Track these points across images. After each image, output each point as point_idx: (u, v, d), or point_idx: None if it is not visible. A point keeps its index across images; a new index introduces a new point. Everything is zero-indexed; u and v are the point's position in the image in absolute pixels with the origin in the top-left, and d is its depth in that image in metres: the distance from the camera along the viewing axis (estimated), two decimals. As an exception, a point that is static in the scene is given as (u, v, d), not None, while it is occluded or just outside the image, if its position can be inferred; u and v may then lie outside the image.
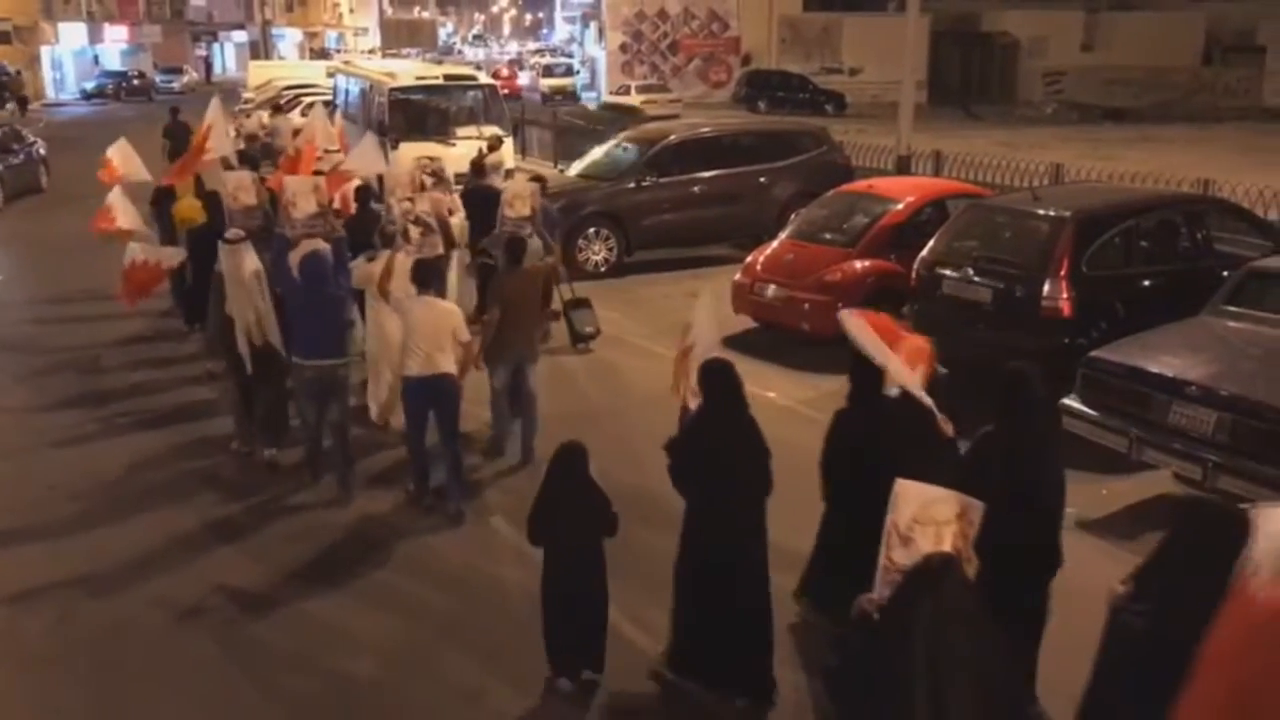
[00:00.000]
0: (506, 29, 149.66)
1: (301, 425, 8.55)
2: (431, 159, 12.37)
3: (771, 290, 11.63)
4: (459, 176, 13.07)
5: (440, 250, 9.79)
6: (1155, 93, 44.03)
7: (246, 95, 33.47)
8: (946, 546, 4.36)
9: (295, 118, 23.26)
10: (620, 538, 5.84)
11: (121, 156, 12.66)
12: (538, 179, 12.22)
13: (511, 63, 71.17)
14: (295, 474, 8.62)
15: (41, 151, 24.24)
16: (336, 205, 10.52)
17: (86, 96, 53.44)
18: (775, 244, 12.45)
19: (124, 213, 11.51)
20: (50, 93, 54.77)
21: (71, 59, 58.93)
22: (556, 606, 5.75)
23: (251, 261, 8.49)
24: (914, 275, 10.43)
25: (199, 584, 7.14)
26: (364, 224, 10.03)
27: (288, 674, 6.26)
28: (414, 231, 9.65)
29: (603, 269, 15.21)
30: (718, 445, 5.56)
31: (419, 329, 7.74)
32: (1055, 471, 5.36)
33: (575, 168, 17.28)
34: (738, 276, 12.19)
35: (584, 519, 5.67)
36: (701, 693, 5.74)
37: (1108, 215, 9.75)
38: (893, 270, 11.17)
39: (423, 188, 11.06)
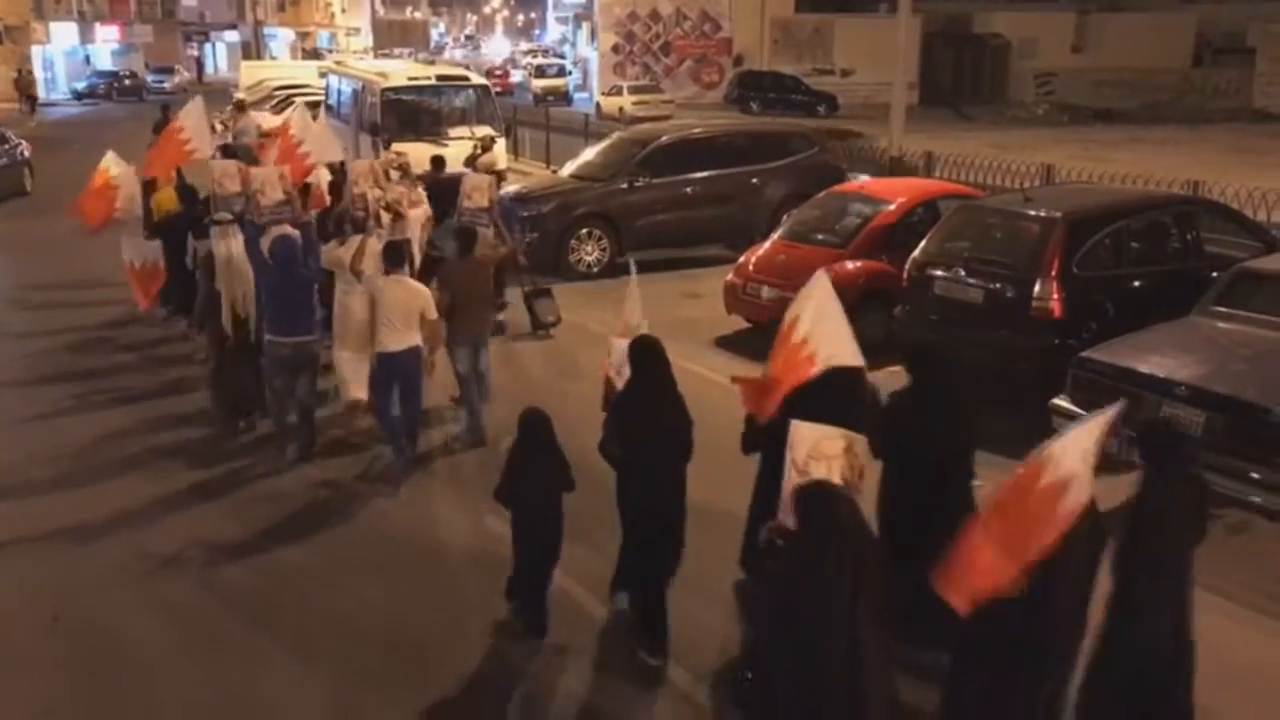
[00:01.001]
0: (499, 29, 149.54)
1: (271, 398, 9.18)
2: (398, 153, 12.95)
3: (764, 291, 11.65)
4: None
5: (409, 234, 10.39)
6: (1145, 94, 44.14)
7: (238, 96, 33.40)
8: (836, 477, 4.90)
9: (265, 116, 23.35)
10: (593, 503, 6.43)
11: (120, 172, 12.41)
12: (492, 171, 12.77)
13: (505, 62, 71.33)
14: (267, 443, 9.24)
15: (25, 153, 23.56)
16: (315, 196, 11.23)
17: (78, 96, 53.24)
18: (767, 245, 12.48)
19: (126, 197, 11.93)
20: (41, 93, 54.54)
21: (63, 59, 58.77)
22: (529, 554, 6.30)
23: (237, 244, 9.20)
24: (905, 276, 10.47)
25: (175, 536, 7.74)
26: (337, 213, 10.56)
27: (262, 610, 6.83)
28: (385, 217, 10.26)
29: (595, 270, 15.23)
30: (647, 414, 6.01)
31: (391, 306, 8.24)
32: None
33: (568, 168, 17.29)
34: (730, 277, 12.22)
35: (545, 478, 6.18)
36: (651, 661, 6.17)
37: (1098, 216, 9.80)
38: (884, 271, 11.20)
39: (389, 180, 11.48)
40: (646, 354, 6.08)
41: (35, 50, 54.93)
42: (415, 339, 8.37)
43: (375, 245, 9.06)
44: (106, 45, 62.64)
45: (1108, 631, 4.93)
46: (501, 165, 18.50)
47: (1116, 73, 45.51)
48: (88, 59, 60.58)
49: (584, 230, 15.31)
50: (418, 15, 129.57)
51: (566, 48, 75.27)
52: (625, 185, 15.56)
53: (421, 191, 12.01)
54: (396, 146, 16.11)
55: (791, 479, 4.96)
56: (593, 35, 55.81)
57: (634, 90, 44.42)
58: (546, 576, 6.39)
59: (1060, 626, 4.73)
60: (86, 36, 60.65)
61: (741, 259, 12.40)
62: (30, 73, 49.10)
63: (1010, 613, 4.56)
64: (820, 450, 4.90)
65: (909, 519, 5.65)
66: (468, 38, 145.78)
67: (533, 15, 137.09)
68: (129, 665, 6.30)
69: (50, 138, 32.08)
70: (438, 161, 13.66)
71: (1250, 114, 40.87)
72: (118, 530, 7.89)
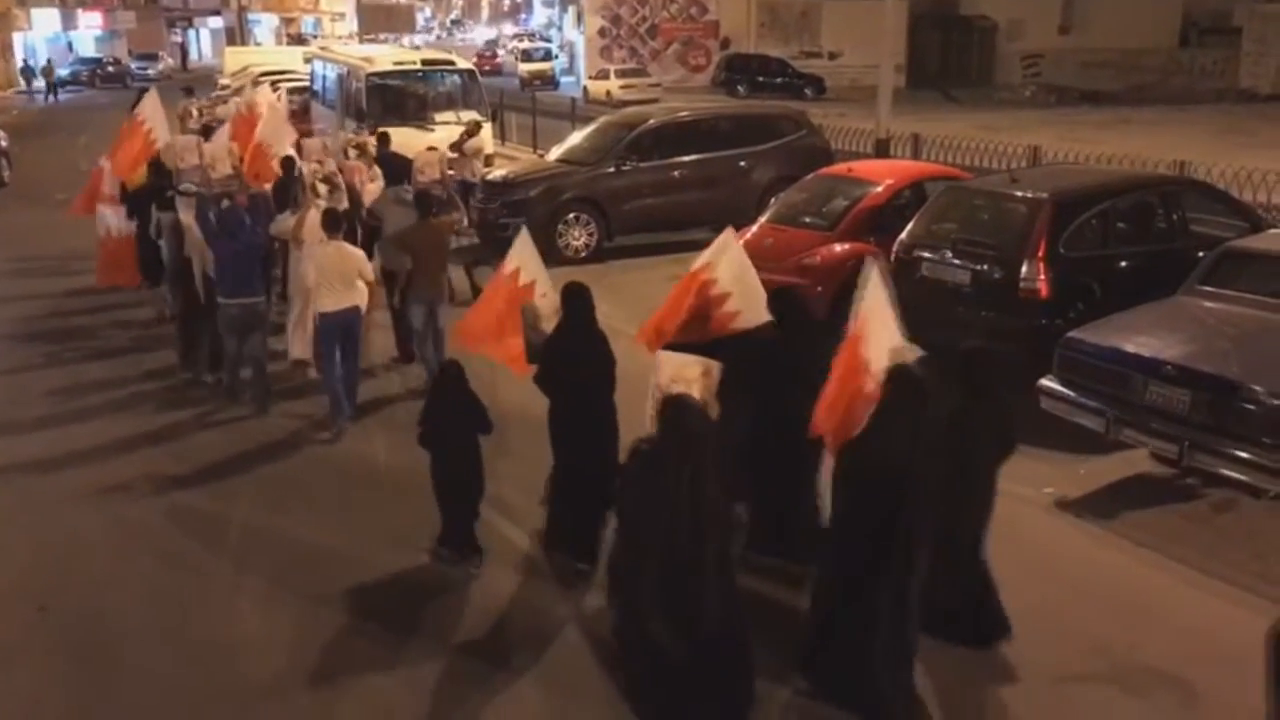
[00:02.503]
0: (485, 14, 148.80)
1: (225, 355, 9.91)
2: (354, 134, 14.39)
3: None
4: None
5: (346, 205, 10.97)
6: (1132, 75, 44.14)
7: (223, 81, 33.20)
8: (696, 396, 5.70)
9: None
10: (502, 447, 7.48)
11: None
12: (433, 148, 14.01)
13: (489, 43, 71.27)
14: (227, 393, 10.07)
15: (2, 144, 23.01)
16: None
17: (61, 84, 52.91)
18: (755, 228, 12.45)
19: (110, 182, 12.36)
20: (21, 81, 54.26)
21: (45, 46, 58.30)
22: (451, 491, 6.91)
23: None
24: (893, 258, 10.46)
25: (134, 468, 8.64)
26: (287, 187, 11.35)
27: (208, 529, 7.69)
28: (322, 189, 10.99)
29: (583, 254, 15.20)
30: (575, 351, 6.81)
31: (329, 269, 8.99)
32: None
33: (554, 152, 17.23)
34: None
35: (464, 423, 6.82)
36: (564, 561, 6.90)
37: (1085, 197, 9.79)
38: (872, 253, 11.18)
39: (346, 158, 12.59)
40: (577, 297, 6.96)
41: (17, 37, 54.58)
42: (353, 300, 9.08)
43: (315, 216, 9.80)
44: (89, 32, 62.20)
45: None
46: (488, 150, 18.44)
47: (1103, 54, 45.51)
48: (70, 46, 60.13)
49: (571, 215, 15.28)
50: (403, 0, 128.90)
51: (553, 32, 74.95)
52: (613, 169, 15.54)
53: (378, 169, 12.64)
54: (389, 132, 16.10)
55: (655, 397, 5.67)
56: (579, 19, 55.55)
57: (621, 74, 44.29)
58: (472, 513, 6.96)
59: (914, 535, 5.28)
60: (69, 23, 60.20)
61: (729, 242, 12.37)
62: (50, 60, 51.80)
63: (868, 523, 5.31)
64: (681, 375, 5.63)
65: (774, 448, 6.49)
66: (454, 22, 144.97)
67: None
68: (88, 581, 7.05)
69: (32, 125, 31.87)
70: (383, 138, 14.23)
71: (1236, 94, 40.91)
72: (84, 463, 8.77)
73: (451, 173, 16.42)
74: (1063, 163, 13.88)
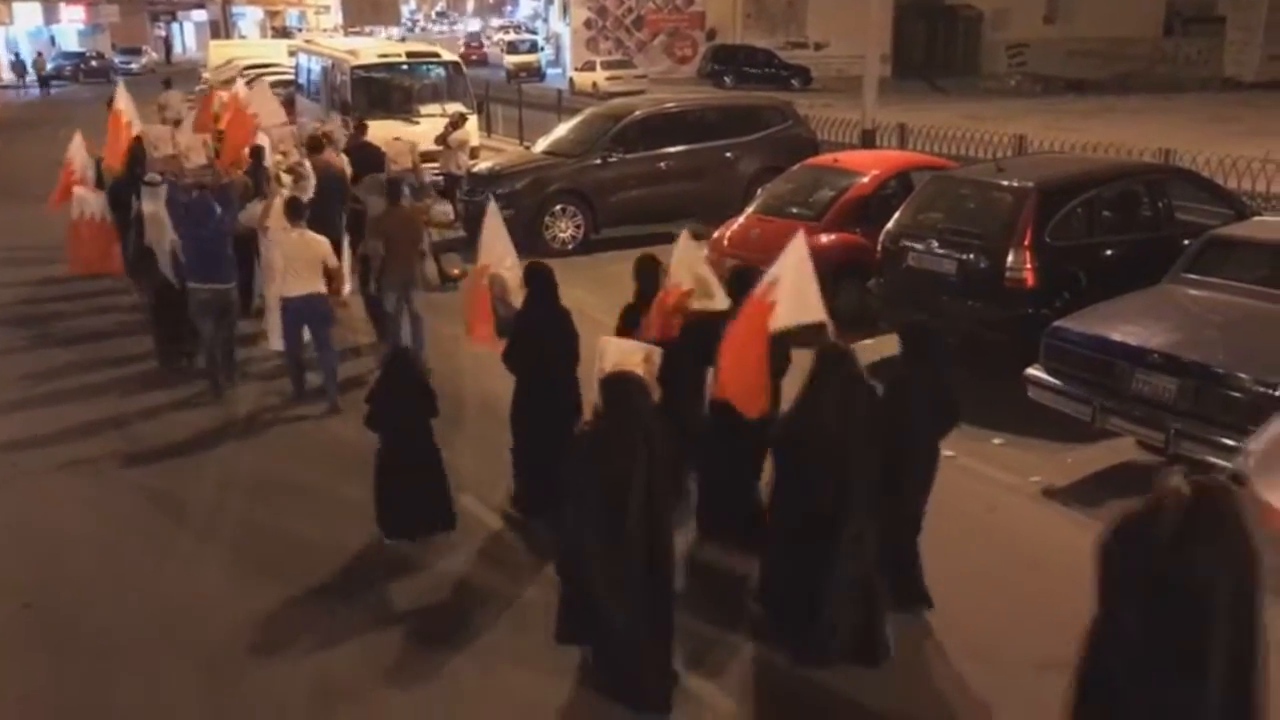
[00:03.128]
0: (470, 6, 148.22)
1: (199, 340, 10.13)
2: (322, 121, 15.14)
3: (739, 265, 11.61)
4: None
5: (310, 194, 11.14)
6: (1117, 64, 44.17)
7: (206, 75, 33.01)
8: None
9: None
10: (459, 424, 8.02)
11: (78, 154, 12.97)
12: (398, 139, 14.69)
13: (471, 35, 71.28)
14: (198, 376, 10.30)
15: None
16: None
17: (46, 83, 52.56)
18: (742, 219, 12.45)
19: (80, 162, 12.69)
20: (6, 75, 53.91)
21: (27, 40, 57.89)
22: (393, 479, 7.03)
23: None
24: (879, 248, 10.47)
25: (104, 446, 8.94)
26: (256, 176, 11.62)
27: (170, 503, 7.97)
28: (286, 179, 11.31)
29: (570, 246, 15.17)
30: (539, 329, 7.14)
31: (293, 256, 9.28)
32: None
33: (541, 144, 17.19)
34: (705, 252, 12.18)
35: (412, 406, 7.01)
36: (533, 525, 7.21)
37: (1070, 185, 9.81)
38: (858, 243, 11.20)
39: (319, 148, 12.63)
40: (539, 277, 7.29)
41: (-2, 31, 54.27)
42: (317, 286, 9.31)
43: (280, 204, 9.95)
44: (72, 26, 61.69)
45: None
46: (474, 142, 18.39)
47: (1088, 43, 45.53)
48: (53, 40, 59.70)
49: (558, 207, 15.24)
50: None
51: (539, 24, 74.71)
52: (599, 161, 15.50)
53: (344, 159, 12.87)
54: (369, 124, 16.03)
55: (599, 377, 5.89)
56: (565, 10, 55.36)
57: (607, 65, 44.11)
58: (420, 494, 7.11)
59: (854, 511, 5.54)
60: (51, 17, 59.72)
61: (716, 233, 12.37)
62: (40, 53, 52.68)
63: (811, 501, 5.58)
64: (624, 361, 5.83)
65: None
66: (440, 15, 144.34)
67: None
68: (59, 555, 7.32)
69: (14, 120, 31.66)
70: (361, 127, 14.52)
71: (1221, 83, 41.01)
72: (56, 442, 9.03)
73: (434, 165, 16.44)
74: (1048, 152, 13.88)
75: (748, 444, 6.64)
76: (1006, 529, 7.16)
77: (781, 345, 6.55)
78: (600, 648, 5.63)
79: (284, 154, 12.26)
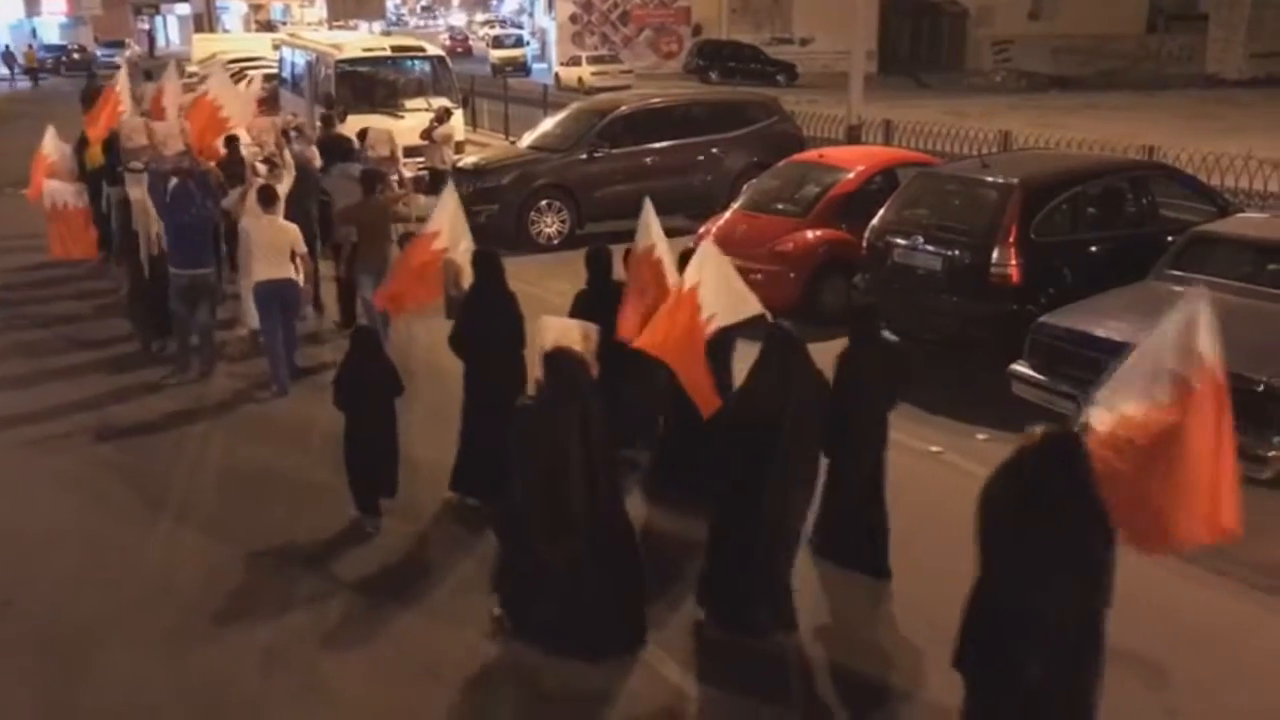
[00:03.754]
0: (455, 0, 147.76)
1: (175, 322, 10.39)
2: (294, 115, 15.47)
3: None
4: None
5: (283, 183, 11.21)
6: (1101, 61, 44.31)
7: (190, 69, 32.81)
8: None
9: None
10: (417, 400, 8.29)
11: (54, 149, 13.33)
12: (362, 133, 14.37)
13: (450, 32, 71.25)
14: (174, 359, 10.54)
15: None
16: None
17: (25, 72, 52.20)
18: (728, 215, 12.45)
19: (57, 152, 13.13)
20: (4, 66, 53.54)
21: (8, 32, 57.47)
22: (359, 455, 7.31)
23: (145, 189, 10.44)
24: (865, 244, 10.49)
25: (80, 423, 9.31)
26: (232, 165, 11.98)
27: (140, 475, 8.34)
28: (261, 168, 11.54)
29: (555, 241, 15.16)
30: (486, 313, 7.35)
31: (263, 243, 9.64)
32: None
33: (526, 139, 17.16)
34: (690, 247, 12.16)
35: (378, 386, 7.29)
36: (461, 500, 7.55)
37: (1055, 182, 9.85)
38: (844, 239, 11.22)
39: (286, 138, 13.00)
40: (486, 262, 7.55)
41: (-21, 23, 53.87)
42: (287, 272, 9.68)
43: (253, 193, 10.28)
44: (54, 19, 61.32)
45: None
46: (459, 137, 18.34)
47: (1072, 40, 45.65)
48: (34, 33, 59.27)
49: (544, 202, 15.23)
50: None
51: (524, 18, 74.53)
52: (585, 156, 15.49)
53: (315, 150, 13.23)
54: (352, 119, 16.03)
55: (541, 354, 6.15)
56: (550, 5, 55.26)
57: (593, 60, 44.09)
58: (380, 473, 7.37)
59: (785, 486, 5.87)
60: (33, 9, 59.37)
61: (701, 229, 12.37)
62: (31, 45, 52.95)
63: (745, 467, 5.87)
64: (564, 338, 6.12)
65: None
66: (425, 9, 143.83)
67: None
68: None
69: (4, 113, 31.40)
70: (328, 120, 15.03)
71: (1204, 80, 41.16)
72: (33, 420, 9.40)
73: (419, 159, 16.41)
74: (1033, 148, 13.93)
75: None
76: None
77: (726, 342, 7.12)
78: (544, 605, 5.93)
79: (260, 145, 12.53)
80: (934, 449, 8.29)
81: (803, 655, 5.97)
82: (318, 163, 12.73)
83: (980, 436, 8.50)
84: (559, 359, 5.86)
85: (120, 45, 57.71)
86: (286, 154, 11.93)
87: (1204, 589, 6.43)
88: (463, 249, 8.08)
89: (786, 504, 5.92)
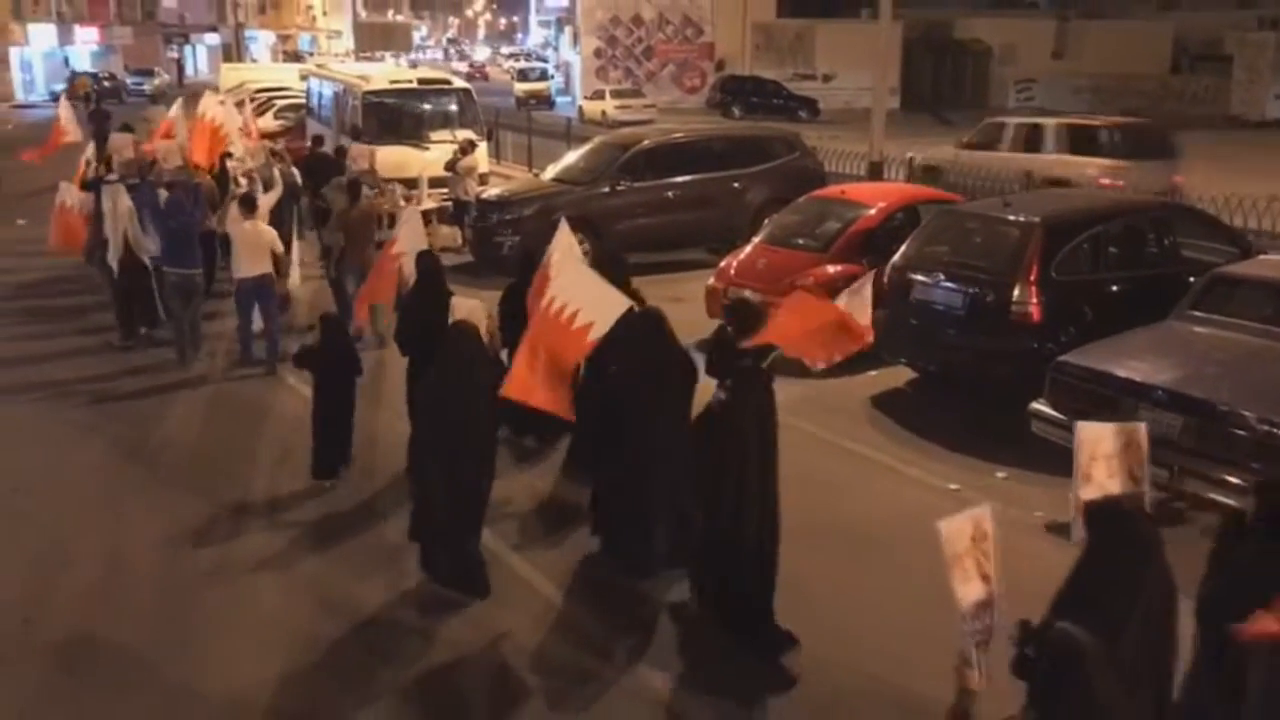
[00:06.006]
0: (481, 33, 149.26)
1: (169, 317, 11.79)
2: (276, 138, 17.64)
3: (745, 295, 11.65)
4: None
5: (273, 194, 12.60)
6: (1124, 100, 44.30)
7: (221, 98, 33.15)
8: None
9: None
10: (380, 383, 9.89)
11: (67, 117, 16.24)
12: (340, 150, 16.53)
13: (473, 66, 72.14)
14: (163, 349, 11.82)
15: None
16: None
17: (56, 98, 52.81)
18: (748, 249, 12.48)
19: (70, 123, 15.73)
20: (20, 94, 54.24)
21: (41, 60, 58.27)
22: (321, 428, 8.41)
23: (124, 200, 11.55)
24: (885, 280, 10.49)
25: (77, 403, 10.42)
26: (223, 178, 13.99)
27: (129, 446, 9.42)
28: (243, 181, 13.16)
29: (577, 273, 15.20)
30: (424, 310, 8.15)
31: (245, 244, 10.95)
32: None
33: (549, 171, 17.27)
34: (712, 281, 12.21)
35: (341, 365, 8.42)
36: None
37: (1077, 221, 9.85)
38: (863, 274, 11.20)
39: (274, 158, 14.83)
40: (427, 263, 8.65)
41: (13, 52, 54.55)
42: (266, 268, 10.99)
43: (234, 202, 11.62)
44: (85, 47, 62.07)
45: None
46: (483, 168, 18.48)
47: (1096, 79, 45.77)
48: (66, 61, 60.02)
49: (565, 234, 15.27)
50: (399, 18, 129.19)
51: (549, 51, 75.22)
52: (607, 189, 15.57)
53: (292, 167, 15.00)
54: (379, 150, 16.24)
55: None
56: (575, 39, 55.78)
57: (616, 94, 44.37)
58: (342, 438, 8.54)
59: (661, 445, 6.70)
60: (65, 38, 60.13)
61: (723, 263, 12.41)
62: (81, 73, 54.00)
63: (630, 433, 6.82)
64: (469, 316, 7.03)
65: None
66: (450, 41, 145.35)
67: (515, 19, 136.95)
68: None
69: (25, 140, 31.79)
70: (317, 140, 17.34)
71: (1227, 120, 41.16)
72: (30, 401, 10.50)
73: (443, 190, 16.59)
74: (1055, 187, 13.95)
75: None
76: (1009, 563, 7.07)
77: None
78: (435, 543, 6.91)
79: (240, 160, 14.31)
80: (952, 486, 8.27)
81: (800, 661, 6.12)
82: (299, 180, 14.69)
83: (999, 475, 8.47)
84: (455, 331, 6.91)
85: (150, 74, 58.46)
86: (276, 172, 13.40)
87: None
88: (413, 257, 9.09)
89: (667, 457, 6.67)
